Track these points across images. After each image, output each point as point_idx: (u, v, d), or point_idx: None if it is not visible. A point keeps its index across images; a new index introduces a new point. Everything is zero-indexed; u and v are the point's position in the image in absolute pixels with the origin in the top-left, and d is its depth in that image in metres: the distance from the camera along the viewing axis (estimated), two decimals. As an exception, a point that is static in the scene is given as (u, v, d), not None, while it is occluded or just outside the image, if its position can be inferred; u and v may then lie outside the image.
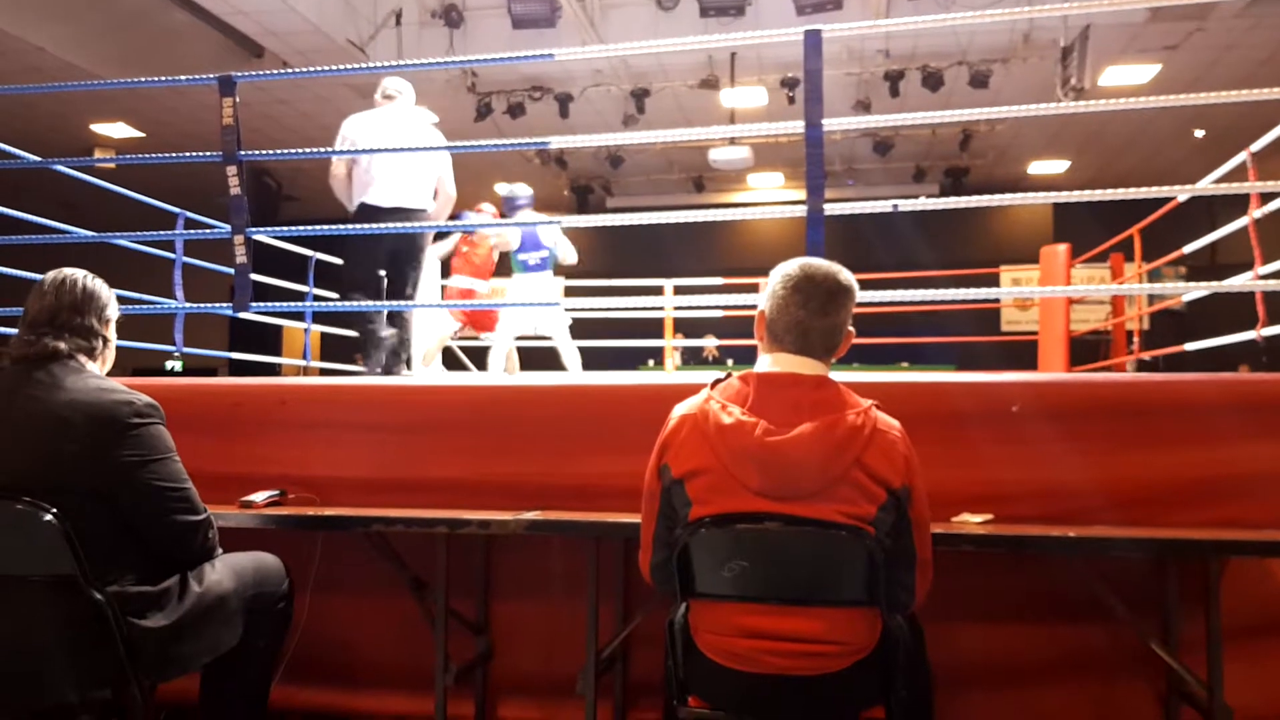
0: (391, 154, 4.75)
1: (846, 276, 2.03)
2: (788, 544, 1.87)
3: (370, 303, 4.64)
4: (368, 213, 4.76)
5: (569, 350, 6.77)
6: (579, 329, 7.01)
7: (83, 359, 2.19)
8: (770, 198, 16.38)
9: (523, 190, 6.79)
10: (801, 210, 3.46)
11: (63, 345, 2.16)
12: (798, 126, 3.44)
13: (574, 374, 6.65)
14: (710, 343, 11.85)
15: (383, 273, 4.75)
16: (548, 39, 10.11)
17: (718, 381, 2.02)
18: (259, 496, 2.85)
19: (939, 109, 11.66)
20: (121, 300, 2.48)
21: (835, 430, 1.87)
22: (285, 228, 4.66)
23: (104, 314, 2.28)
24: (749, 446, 1.87)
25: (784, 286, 2.01)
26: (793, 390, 1.94)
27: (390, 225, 4.52)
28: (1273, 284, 3.60)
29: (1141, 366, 7.54)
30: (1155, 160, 14.50)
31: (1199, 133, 12.82)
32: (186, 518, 2.16)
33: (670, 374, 5.47)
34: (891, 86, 10.63)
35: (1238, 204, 4.71)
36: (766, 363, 2.01)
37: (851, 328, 2.05)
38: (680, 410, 2.01)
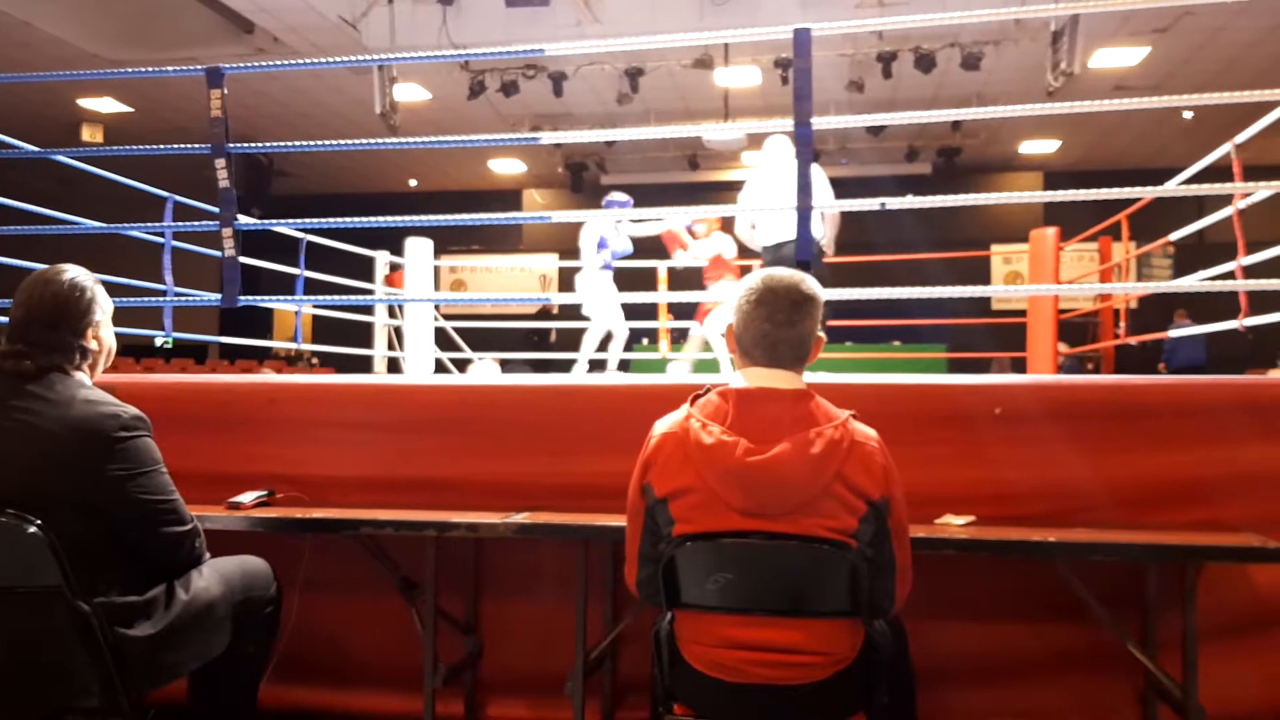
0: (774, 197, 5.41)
1: (809, 285, 2.03)
2: (771, 557, 1.90)
3: None
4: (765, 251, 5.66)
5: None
6: (575, 312, 7.15)
7: (68, 368, 2.16)
8: (763, 175, 16.32)
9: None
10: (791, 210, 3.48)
11: (32, 364, 2.10)
12: (787, 125, 3.45)
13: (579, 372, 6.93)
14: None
15: None
16: (541, 17, 10.03)
17: (697, 397, 2.03)
18: (247, 497, 2.85)
19: (931, 90, 11.69)
20: (110, 287, 2.40)
21: (814, 446, 1.90)
22: (274, 220, 4.64)
23: (81, 324, 2.19)
24: (731, 466, 1.89)
25: (748, 300, 2.03)
26: (772, 406, 1.96)
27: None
28: (1252, 284, 3.63)
29: (1125, 351, 7.59)
30: (1145, 140, 14.51)
31: (1187, 114, 12.85)
32: (173, 529, 2.17)
33: (657, 375, 5.67)
34: (884, 68, 10.60)
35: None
36: (742, 378, 2.03)
37: (822, 333, 2.06)
38: (661, 429, 2.02)
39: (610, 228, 6.95)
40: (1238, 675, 2.67)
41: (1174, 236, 6.17)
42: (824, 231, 5.49)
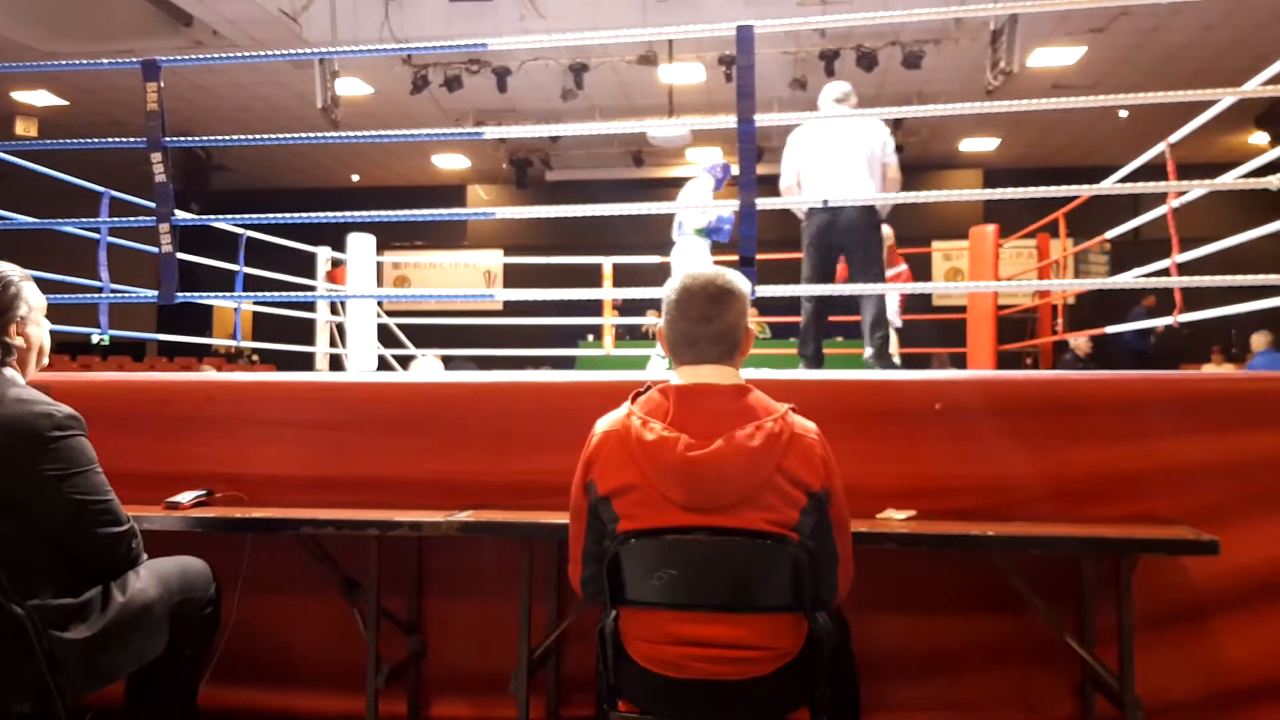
0: (822, 158, 4.74)
1: (725, 280, 2.03)
2: (715, 553, 1.91)
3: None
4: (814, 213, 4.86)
5: None
6: (520, 308, 7.02)
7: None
8: (709, 172, 16.38)
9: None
10: (735, 204, 3.49)
11: None
12: (730, 121, 3.46)
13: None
14: (651, 320, 11.83)
15: None
16: (485, 11, 9.96)
17: (638, 394, 2.04)
18: (185, 497, 2.80)
19: (874, 88, 11.81)
20: (42, 283, 2.35)
21: (754, 439, 1.91)
22: (213, 216, 4.55)
23: (4, 319, 2.15)
24: (672, 462, 1.90)
25: (668, 300, 2.05)
26: (711, 401, 1.97)
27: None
28: (1186, 280, 3.72)
29: (1061, 347, 7.74)
30: (1082, 138, 14.83)
31: (1123, 113, 13.17)
32: (109, 530, 2.13)
33: (603, 373, 5.49)
34: (827, 65, 10.69)
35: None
36: (679, 376, 2.04)
37: (752, 326, 2.07)
38: (602, 426, 2.03)
39: (709, 191, 6.60)
40: (1173, 665, 2.71)
41: (1110, 234, 6.30)
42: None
